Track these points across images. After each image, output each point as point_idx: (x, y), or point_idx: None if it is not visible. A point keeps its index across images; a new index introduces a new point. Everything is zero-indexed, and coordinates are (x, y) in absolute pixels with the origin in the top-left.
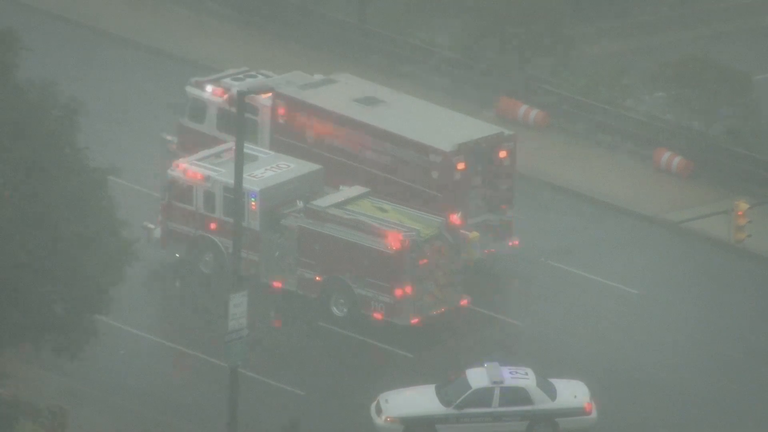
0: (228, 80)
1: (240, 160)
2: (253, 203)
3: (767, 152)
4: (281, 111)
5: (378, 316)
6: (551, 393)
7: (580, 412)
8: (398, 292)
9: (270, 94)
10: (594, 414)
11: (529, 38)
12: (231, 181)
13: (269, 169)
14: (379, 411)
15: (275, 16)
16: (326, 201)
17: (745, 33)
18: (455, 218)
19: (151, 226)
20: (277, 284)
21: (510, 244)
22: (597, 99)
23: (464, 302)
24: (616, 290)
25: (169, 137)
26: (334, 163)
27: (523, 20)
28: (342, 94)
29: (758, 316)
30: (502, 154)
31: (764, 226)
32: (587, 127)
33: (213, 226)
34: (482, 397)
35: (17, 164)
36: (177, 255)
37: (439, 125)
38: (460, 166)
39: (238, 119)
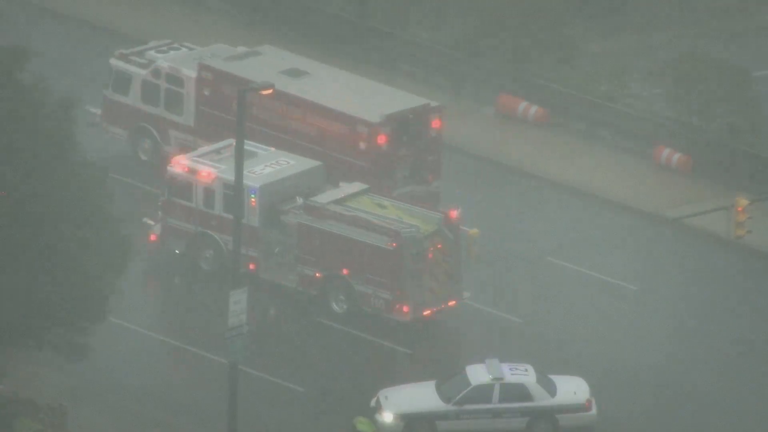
0: (152, 53)
1: (240, 157)
2: (252, 200)
3: (767, 148)
4: (207, 83)
5: (377, 312)
6: (551, 389)
7: (579, 408)
8: (398, 288)
9: (271, 90)
10: (594, 410)
11: (529, 36)
12: (231, 177)
13: (269, 166)
14: (378, 407)
15: (275, 14)
16: (326, 197)
17: (744, 31)
18: (454, 214)
19: (151, 222)
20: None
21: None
22: (596, 96)
23: (463, 298)
24: (615, 287)
25: (92, 109)
26: (260, 135)
27: (523, 19)
28: (267, 65)
29: (758, 313)
30: (429, 125)
31: (764, 223)
32: (587, 123)
33: (212, 222)
34: (482, 393)
35: (17, 164)
36: (177, 251)
37: (365, 96)
38: (387, 137)
39: (238, 116)
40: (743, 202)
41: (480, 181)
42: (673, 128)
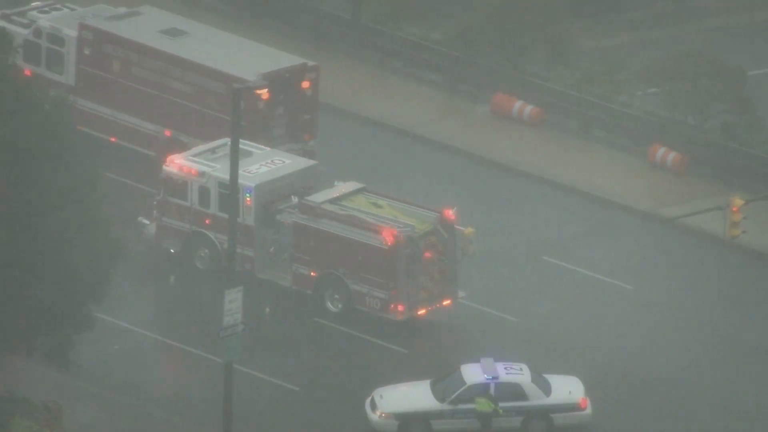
0: (34, 13)
1: (235, 156)
2: (248, 199)
3: (762, 147)
4: (87, 42)
5: (372, 311)
6: (546, 389)
7: (574, 407)
8: (393, 287)
9: (267, 89)
10: (589, 410)
11: (524, 34)
12: (226, 176)
13: (264, 165)
14: (373, 406)
15: (269, 11)
16: (321, 196)
17: (740, 29)
18: (450, 213)
19: (146, 221)
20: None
21: None
22: (591, 94)
23: (459, 297)
24: (610, 286)
25: None
26: (140, 94)
27: (518, 16)
28: (147, 25)
29: (753, 312)
30: (305, 84)
31: (759, 223)
32: (582, 122)
33: (207, 221)
34: (477, 392)
35: (11, 165)
36: (171, 251)
37: (243, 56)
38: (264, 95)
39: (233, 118)
40: (738, 201)
41: (475, 180)
42: (668, 127)
